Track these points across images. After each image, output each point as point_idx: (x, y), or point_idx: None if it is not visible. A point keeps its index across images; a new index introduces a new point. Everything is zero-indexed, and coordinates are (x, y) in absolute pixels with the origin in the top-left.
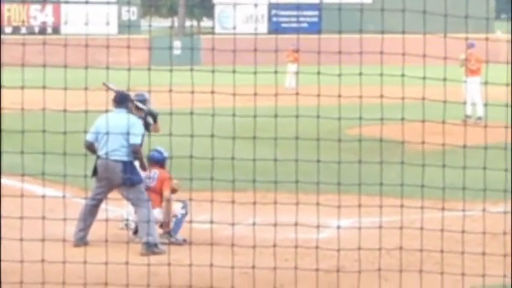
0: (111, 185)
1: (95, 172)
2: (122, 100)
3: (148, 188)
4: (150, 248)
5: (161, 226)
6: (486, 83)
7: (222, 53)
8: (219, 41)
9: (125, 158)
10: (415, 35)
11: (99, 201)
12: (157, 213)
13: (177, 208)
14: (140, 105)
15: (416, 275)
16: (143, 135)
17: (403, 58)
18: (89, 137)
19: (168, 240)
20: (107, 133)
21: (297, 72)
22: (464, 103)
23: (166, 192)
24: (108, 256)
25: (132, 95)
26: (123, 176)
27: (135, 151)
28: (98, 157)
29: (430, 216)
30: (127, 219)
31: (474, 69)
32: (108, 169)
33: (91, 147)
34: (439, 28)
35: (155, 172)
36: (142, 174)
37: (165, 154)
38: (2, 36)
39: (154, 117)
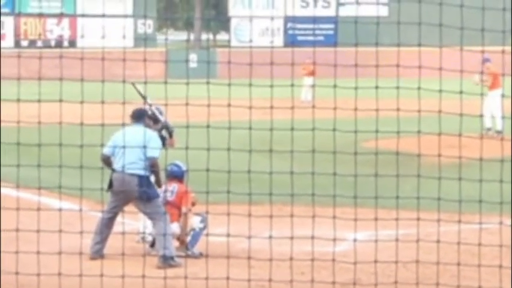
0: (126, 199)
1: (110, 186)
2: (139, 115)
3: (167, 202)
4: (167, 261)
5: (178, 239)
6: (503, 95)
7: (238, 66)
8: (235, 54)
9: (141, 172)
10: (431, 48)
11: (115, 214)
12: (176, 227)
13: (195, 222)
14: (157, 114)
15: None
16: (161, 150)
17: (419, 71)
18: (106, 151)
19: (185, 253)
20: (124, 146)
21: (313, 86)
22: (481, 116)
23: (184, 208)
24: (125, 269)
25: (147, 108)
26: (139, 190)
27: (153, 164)
28: (114, 170)
29: (446, 229)
30: (143, 233)
31: (489, 85)
32: (124, 183)
33: (107, 161)
34: (455, 41)
35: (174, 186)
36: (160, 188)
37: (184, 168)
38: (18, 50)
39: (170, 132)
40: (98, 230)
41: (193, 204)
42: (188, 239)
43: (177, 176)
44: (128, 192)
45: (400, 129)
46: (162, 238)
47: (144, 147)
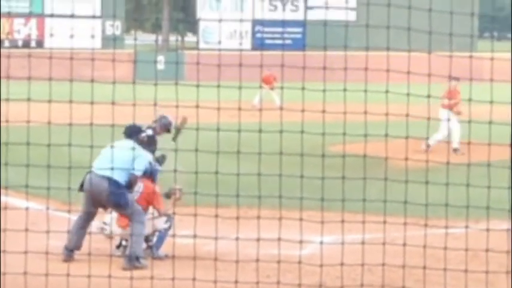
0: (96, 200)
1: (82, 187)
2: (131, 133)
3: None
4: (132, 261)
5: (146, 240)
6: (470, 100)
7: (206, 69)
8: (203, 57)
9: (113, 176)
10: (399, 52)
11: (90, 216)
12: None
13: (159, 223)
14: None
15: None
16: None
17: (387, 75)
18: (94, 163)
19: (151, 255)
20: (112, 146)
21: (282, 87)
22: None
23: (153, 211)
24: (91, 269)
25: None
26: (108, 194)
27: (132, 181)
28: (88, 172)
29: (412, 233)
30: (104, 223)
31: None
32: (93, 184)
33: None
34: (423, 45)
35: (140, 186)
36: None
37: (156, 167)
38: None
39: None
40: (73, 231)
41: (177, 199)
42: (154, 240)
43: (145, 173)
44: (97, 193)
45: (367, 132)
46: (131, 238)
47: (128, 151)
